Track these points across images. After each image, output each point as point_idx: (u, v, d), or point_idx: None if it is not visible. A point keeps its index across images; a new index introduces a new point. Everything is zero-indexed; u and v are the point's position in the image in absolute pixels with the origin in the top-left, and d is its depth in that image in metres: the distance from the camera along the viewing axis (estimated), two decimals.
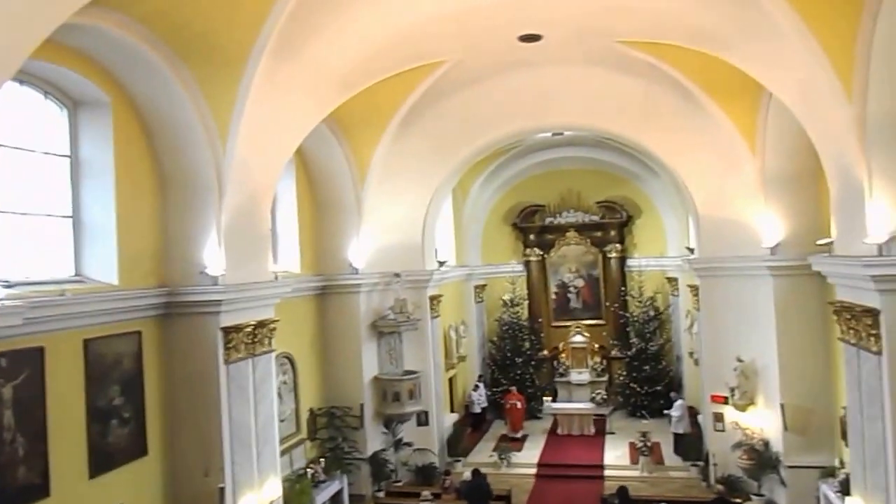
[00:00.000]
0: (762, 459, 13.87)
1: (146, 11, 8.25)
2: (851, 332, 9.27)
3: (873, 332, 8.50)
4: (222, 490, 9.73)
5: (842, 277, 9.57)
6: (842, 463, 12.23)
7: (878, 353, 8.44)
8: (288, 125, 11.10)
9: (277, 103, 10.24)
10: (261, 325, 10.87)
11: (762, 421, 14.22)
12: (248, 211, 10.53)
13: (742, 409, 14.40)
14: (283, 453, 12.37)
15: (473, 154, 16.42)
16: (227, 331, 10.04)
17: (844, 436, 11.50)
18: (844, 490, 11.00)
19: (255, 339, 10.74)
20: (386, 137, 14.87)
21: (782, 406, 13.56)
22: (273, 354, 11.38)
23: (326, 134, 14.18)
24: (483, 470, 14.38)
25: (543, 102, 14.94)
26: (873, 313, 8.47)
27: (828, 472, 12.49)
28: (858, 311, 8.89)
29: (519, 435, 19.74)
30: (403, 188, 15.91)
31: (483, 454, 18.33)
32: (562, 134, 18.98)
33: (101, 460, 8.62)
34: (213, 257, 9.84)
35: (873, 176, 8.31)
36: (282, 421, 12.65)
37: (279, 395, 12.58)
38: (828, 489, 12.09)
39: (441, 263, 17.93)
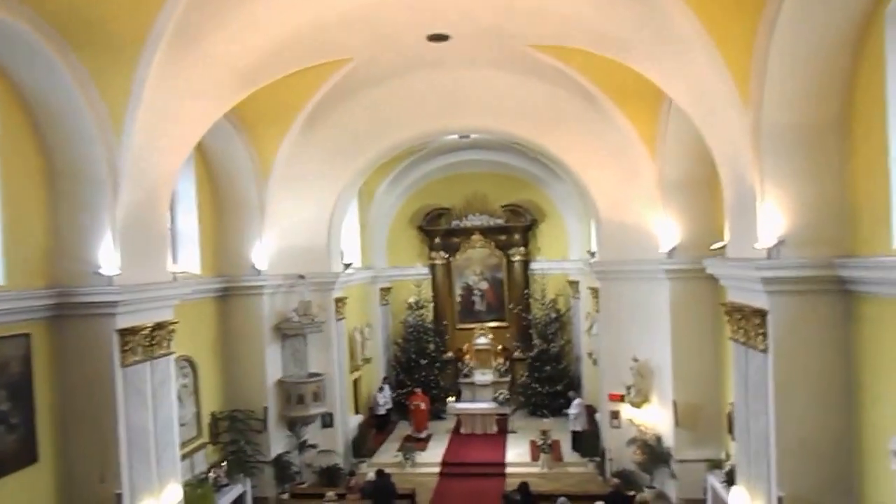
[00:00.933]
0: (655, 454, 14.60)
1: None
2: (741, 331, 9.82)
3: (761, 331, 9.04)
4: (119, 496, 9.37)
5: (733, 280, 10.11)
6: (727, 455, 13.04)
7: (765, 351, 9.00)
8: (187, 119, 10.58)
9: (176, 96, 9.74)
10: (159, 326, 10.40)
11: (655, 417, 14.96)
12: (144, 208, 9.99)
13: (637, 406, 15.10)
14: (183, 458, 11.91)
15: (380, 155, 16.27)
16: (123, 333, 9.54)
17: (731, 430, 12.26)
18: (730, 481, 11.74)
19: (154, 342, 10.27)
20: (290, 135, 14.44)
21: (674, 403, 14.29)
22: (172, 357, 10.90)
23: (228, 130, 13.65)
24: (387, 470, 14.36)
25: (451, 104, 14.99)
26: (762, 314, 9.00)
27: (714, 465, 13.24)
28: (748, 312, 9.44)
29: (423, 435, 19.83)
30: (308, 189, 15.57)
31: (388, 455, 18.31)
32: (468, 137, 19.19)
33: None
34: (108, 256, 9.27)
35: (765, 182, 8.73)
36: (182, 425, 12.18)
37: (179, 399, 12.15)
38: (714, 480, 12.87)
39: (346, 266, 17.70)
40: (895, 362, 7.64)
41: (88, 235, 9.27)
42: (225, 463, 13.65)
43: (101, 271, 9.19)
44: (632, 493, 12.40)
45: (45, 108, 8.88)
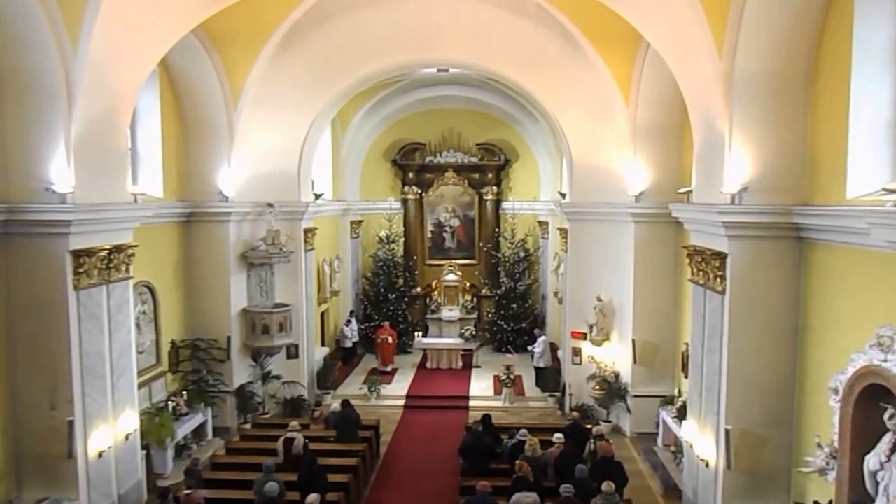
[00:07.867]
0: (612, 390, 15.08)
1: None
2: (701, 273, 10.13)
3: (720, 273, 9.35)
4: (71, 423, 9.20)
5: (697, 223, 10.34)
6: (679, 392, 13.53)
7: (722, 292, 9.34)
8: (151, 31, 10.09)
9: (140, 4, 9.28)
10: (117, 249, 10.17)
11: (615, 355, 15.36)
12: (103, 123, 9.61)
13: (598, 344, 15.47)
14: (141, 386, 11.81)
15: (357, 83, 15.78)
16: (77, 254, 9.30)
17: (684, 368, 12.73)
18: (681, 415, 12.20)
19: (111, 265, 10.05)
20: (263, 56, 13.91)
21: (633, 342, 14.71)
22: (130, 282, 10.70)
23: (196, 47, 13.11)
24: (353, 402, 14.46)
25: (432, 36, 14.55)
26: (721, 257, 9.30)
27: (667, 401, 13.77)
28: (708, 255, 9.72)
29: (389, 368, 20.03)
30: (280, 114, 15.05)
31: (353, 387, 18.46)
32: (447, 71, 18.74)
33: None
34: (61, 173, 8.94)
35: (734, 130, 8.96)
36: (140, 353, 12.02)
37: (137, 326, 11.96)
38: (666, 415, 13.41)
39: (317, 196, 17.43)
40: (840, 306, 8.05)
41: (40, 149, 8.91)
42: (185, 392, 13.56)
43: (53, 188, 8.89)
44: (589, 426, 12.80)
45: None
